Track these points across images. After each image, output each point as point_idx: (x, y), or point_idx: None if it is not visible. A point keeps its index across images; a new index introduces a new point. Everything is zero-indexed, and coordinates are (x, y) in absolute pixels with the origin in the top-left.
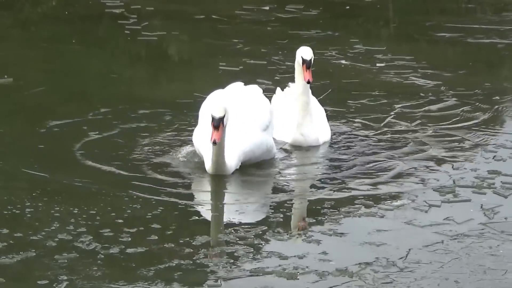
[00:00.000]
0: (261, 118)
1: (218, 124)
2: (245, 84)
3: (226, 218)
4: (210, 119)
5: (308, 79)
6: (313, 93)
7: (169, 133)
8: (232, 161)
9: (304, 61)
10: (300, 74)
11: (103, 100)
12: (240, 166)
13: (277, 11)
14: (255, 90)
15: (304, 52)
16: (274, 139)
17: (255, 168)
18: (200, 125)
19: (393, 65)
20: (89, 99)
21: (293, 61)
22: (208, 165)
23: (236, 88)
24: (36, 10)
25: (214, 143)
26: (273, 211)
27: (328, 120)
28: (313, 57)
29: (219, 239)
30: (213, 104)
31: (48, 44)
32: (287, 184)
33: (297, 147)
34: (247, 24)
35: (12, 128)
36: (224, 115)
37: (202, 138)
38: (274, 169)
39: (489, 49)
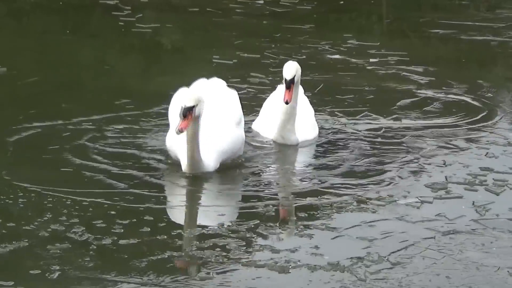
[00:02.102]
0: (233, 113)
1: (185, 113)
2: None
3: (218, 212)
4: (181, 107)
5: (286, 100)
6: (304, 88)
7: (162, 126)
8: (209, 159)
9: (284, 80)
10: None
11: (96, 91)
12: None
13: (271, 5)
14: (219, 84)
15: (286, 70)
16: (257, 133)
17: (244, 163)
18: (171, 128)
19: (386, 60)
20: (82, 90)
21: (287, 55)
22: (184, 165)
23: (201, 84)
24: (29, 0)
25: (180, 132)
26: (264, 205)
27: (318, 115)
28: (296, 74)
29: (191, 241)
30: (184, 96)
31: (42, 34)
32: (278, 179)
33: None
34: (241, 17)
35: (4, 118)
36: (196, 105)
37: (173, 138)
38: (264, 165)
39: (482, 46)
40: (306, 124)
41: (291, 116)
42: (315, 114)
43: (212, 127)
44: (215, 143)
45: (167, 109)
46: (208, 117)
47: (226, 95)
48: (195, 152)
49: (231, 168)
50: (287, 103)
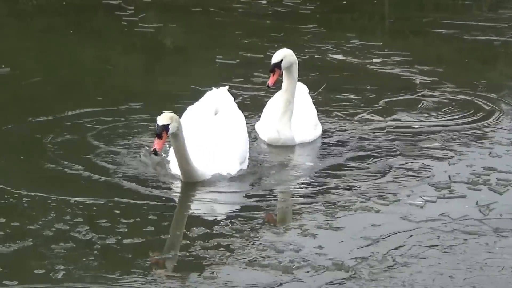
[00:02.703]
0: (239, 151)
1: (160, 132)
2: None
3: (222, 212)
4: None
5: (268, 84)
6: (308, 88)
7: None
8: (205, 170)
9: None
10: (285, 74)
11: (99, 91)
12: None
13: (274, 4)
14: (229, 105)
15: (274, 55)
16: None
17: (248, 165)
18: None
19: (389, 60)
20: (84, 90)
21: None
22: (181, 175)
23: (213, 103)
24: (32, 1)
25: (155, 153)
26: (268, 205)
27: (321, 115)
28: (284, 60)
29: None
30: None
31: (45, 34)
32: (281, 179)
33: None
34: (244, 17)
35: (8, 118)
36: (169, 124)
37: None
38: (267, 165)
39: (485, 46)
40: (306, 124)
41: (286, 110)
42: (318, 114)
43: (215, 158)
44: (212, 163)
45: (170, 107)
46: (213, 149)
47: (235, 129)
48: (185, 164)
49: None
50: (268, 87)
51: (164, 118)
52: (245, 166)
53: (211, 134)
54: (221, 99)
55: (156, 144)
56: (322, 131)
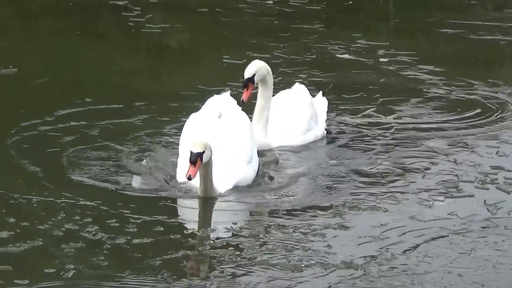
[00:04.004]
0: (244, 151)
1: (195, 159)
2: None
3: (231, 211)
4: (189, 153)
5: (242, 99)
6: (315, 88)
7: (171, 125)
8: (221, 186)
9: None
10: (260, 84)
11: (105, 92)
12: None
13: (281, 5)
14: (233, 110)
15: (247, 69)
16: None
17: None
18: (181, 156)
19: (395, 60)
20: (91, 91)
21: (296, 54)
22: (199, 190)
23: (215, 106)
24: (37, 0)
25: (189, 178)
26: (276, 204)
27: (328, 114)
28: (257, 74)
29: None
30: (193, 139)
31: (51, 35)
32: (289, 179)
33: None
34: (250, 17)
35: (15, 117)
36: (204, 151)
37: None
38: (276, 166)
39: (491, 46)
40: (291, 129)
41: (260, 117)
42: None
43: (222, 164)
44: (225, 176)
45: (177, 108)
46: (219, 151)
47: (239, 131)
48: (208, 186)
49: None
50: (243, 102)
51: (198, 146)
52: (254, 165)
53: (216, 138)
54: (224, 103)
55: (191, 171)
56: (331, 131)
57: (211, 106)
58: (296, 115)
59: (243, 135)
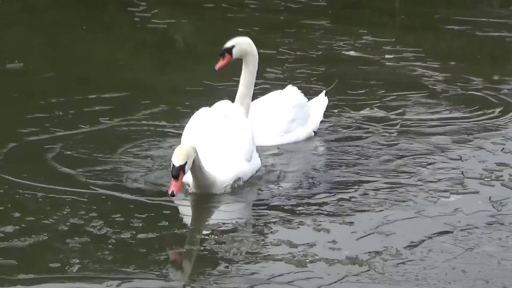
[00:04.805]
0: (243, 148)
1: (177, 173)
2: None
3: (235, 206)
4: (171, 166)
5: (215, 67)
6: (321, 84)
7: (179, 120)
8: (220, 181)
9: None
10: (243, 66)
11: (111, 87)
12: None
13: (286, 0)
14: (237, 114)
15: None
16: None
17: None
18: None
19: (401, 56)
20: (97, 86)
21: (302, 50)
22: (194, 186)
23: (222, 108)
24: None
25: (172, 195)
26: (281, 200)
27: (334, 110)
28: (235, 46)
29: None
30: (177, 147)
31: (57, 30)
32: (294, 174)
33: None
34: (256, 13)
35: (21, 112)
36: (186, 162)
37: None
38: (280, 162)
39: (497, 42)
40: (267, 129)
41: (240, 106)
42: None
43: (221, 160)
44: (224, 174)
45: (182, 103)
46: (216, 152)
47: (238, 129)
48: (201, 182)
49: None
50: (215, 70)
51: (180, 157)
52: (253, 165)
53: (218, 134)
54: (231, 108)
55: (173, 186)
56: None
57: (218, 107)
58: (277, 116)
59: (245, 135)
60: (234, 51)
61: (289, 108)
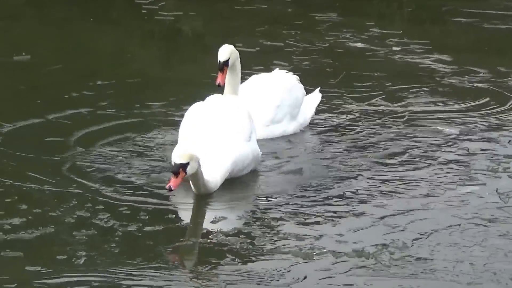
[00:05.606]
0: (241, 127)
1: (177, 170)
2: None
3: (243, 200)
4: (172, 163)
5: (219, 82)
6: (328, 76)
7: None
8: (215, 179)
9: (218, 63)
10: (229, 70)
11: (118, 79)
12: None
13: None
14: (234, 100)
15: (220, 53)
16: None
17: (267, 158)
18: (180, 144)
19: (409, 48)
20: (104, 78)
21: (309, 42)
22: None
23: (215, 100)
24: None
25: (169, 190)
26: (289, 193)
27: (341, 102)
28: (231, 57)
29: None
30: (180, 151)
31: (65, 22)
32: (301, 167)
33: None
34: (263, 5)
35: (29, 104)
36: (189, 162)
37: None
38: (284, 155)
39: (504, 35)
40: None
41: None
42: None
43: (217, 145)
44: (220, 161)
45: (190, 95)
46: (215, 134)
47: (235, 111)
48: (199, 187)
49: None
50: (219, 85)
51: (183, 157)
52: (253, 146)
53: (215, 118)
54: (225, 98)
55: (172, 181)
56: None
57: (212, 98)
58: (263, 103)
59: (242, 116)
60: (230, 61)
61: (276, 93)
